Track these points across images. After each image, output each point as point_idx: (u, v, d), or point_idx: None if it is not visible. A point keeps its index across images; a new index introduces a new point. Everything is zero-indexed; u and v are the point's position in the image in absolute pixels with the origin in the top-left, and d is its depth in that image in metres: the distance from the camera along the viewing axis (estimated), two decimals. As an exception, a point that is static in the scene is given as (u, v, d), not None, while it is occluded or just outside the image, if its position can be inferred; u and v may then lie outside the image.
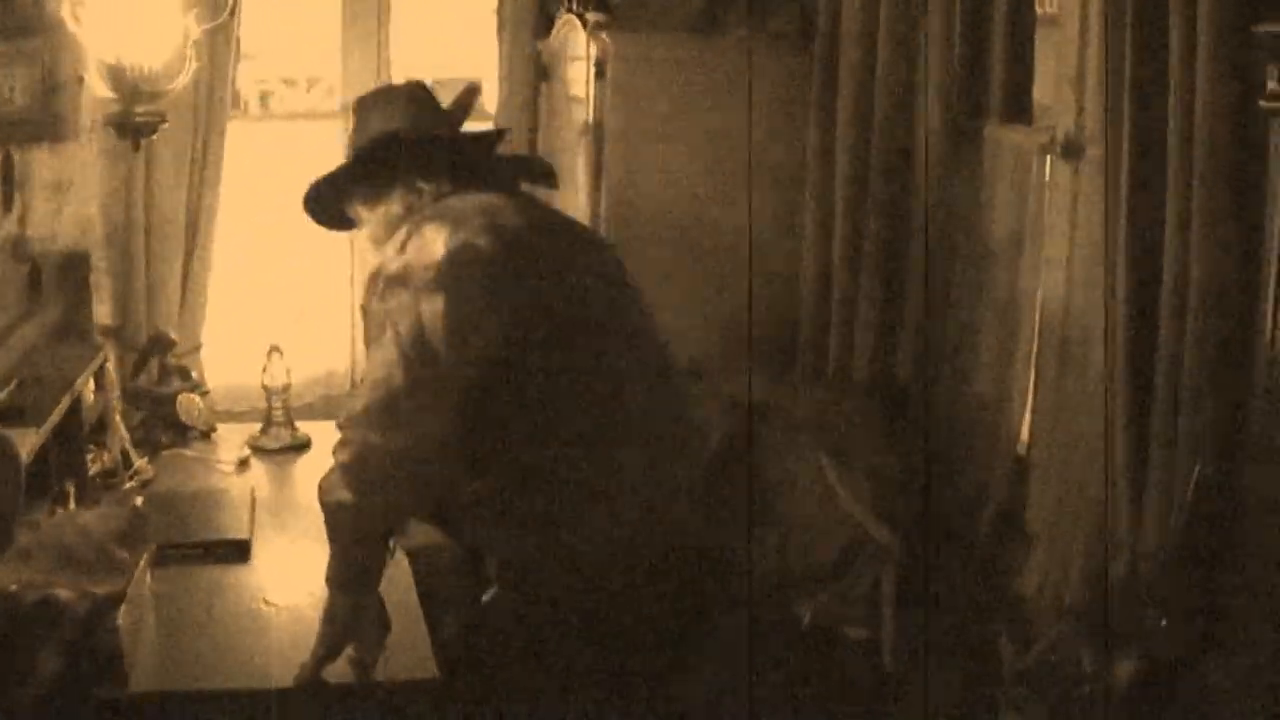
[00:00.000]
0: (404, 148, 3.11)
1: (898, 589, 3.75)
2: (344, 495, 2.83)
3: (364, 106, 3.28)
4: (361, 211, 3.20)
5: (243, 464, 4.29)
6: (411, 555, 3.67)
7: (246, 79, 6.18)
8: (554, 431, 2.85)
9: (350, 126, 3.31)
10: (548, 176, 3.37)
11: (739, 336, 4.45)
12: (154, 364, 4.63)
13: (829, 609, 3.85)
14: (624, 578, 2.87)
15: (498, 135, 3.30)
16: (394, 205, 3.10)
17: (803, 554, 3.91)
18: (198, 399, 4.58)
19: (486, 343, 2.80)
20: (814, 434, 3.92)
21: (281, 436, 4.39)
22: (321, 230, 3.48)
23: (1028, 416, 3.63)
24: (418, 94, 3.23)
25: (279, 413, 4.40)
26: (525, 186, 3.25)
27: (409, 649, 3.09)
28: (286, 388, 4.41)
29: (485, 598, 3.02)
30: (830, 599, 3.85)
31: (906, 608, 3.79)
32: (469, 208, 2.95)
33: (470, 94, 3.30)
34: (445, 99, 3.27)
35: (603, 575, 2.86)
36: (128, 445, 4.20)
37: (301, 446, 4.37)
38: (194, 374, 4.77)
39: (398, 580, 3.33)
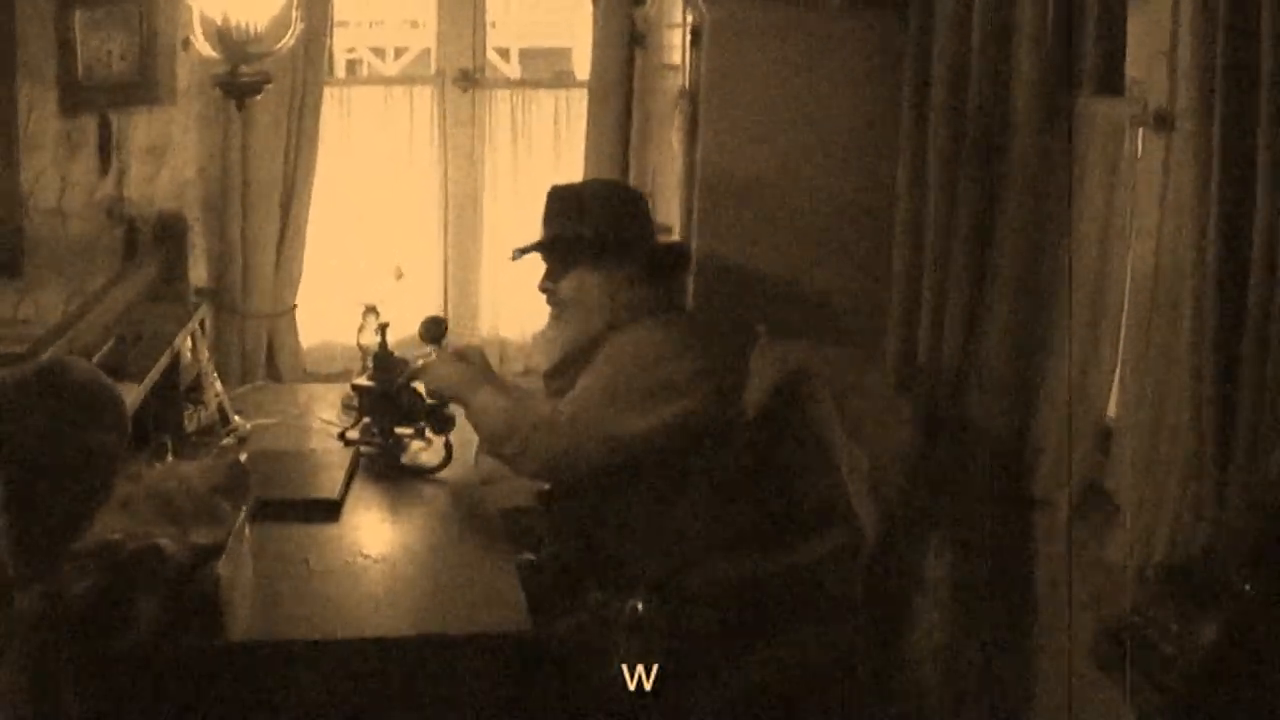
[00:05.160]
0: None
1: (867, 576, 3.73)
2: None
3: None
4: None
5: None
6: (504, 515, 3.76)
7: (336, 47, 6.22)
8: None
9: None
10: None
11: (824, 305, 4.45)
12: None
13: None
14: None
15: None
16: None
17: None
18: None
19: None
20: (839, 402, 3.91)
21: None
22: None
23: (1115, 388, 3.63)
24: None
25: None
26: None
27: (503, 604, 3.18)
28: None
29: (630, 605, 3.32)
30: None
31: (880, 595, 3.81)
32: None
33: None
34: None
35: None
36: (225, 402, 4.27)
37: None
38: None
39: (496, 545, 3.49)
